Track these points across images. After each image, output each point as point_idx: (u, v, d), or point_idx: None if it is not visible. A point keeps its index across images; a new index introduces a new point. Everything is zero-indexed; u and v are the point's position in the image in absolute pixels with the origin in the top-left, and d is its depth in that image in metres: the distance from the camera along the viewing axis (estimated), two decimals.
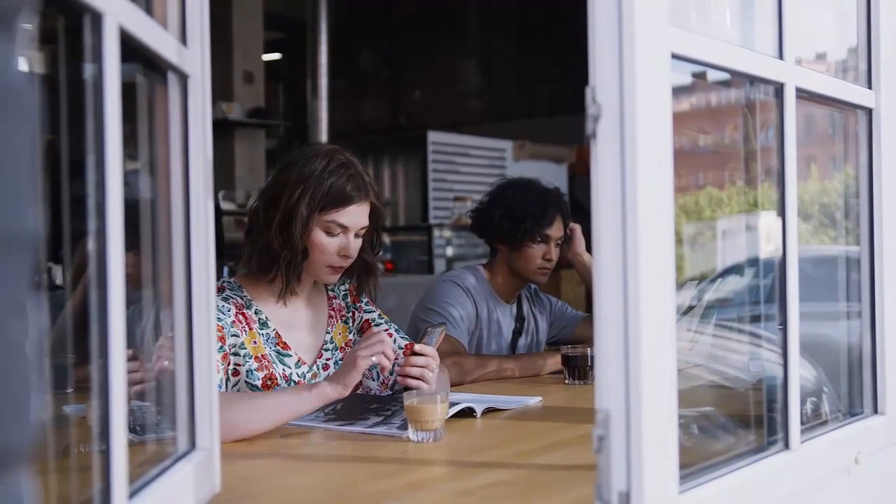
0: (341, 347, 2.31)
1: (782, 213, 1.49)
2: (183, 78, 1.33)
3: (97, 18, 0.98)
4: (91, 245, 0.99)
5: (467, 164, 8.19)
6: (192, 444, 1.34)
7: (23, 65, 0.54)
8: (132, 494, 1.06)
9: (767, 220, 1.87)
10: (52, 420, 1.12)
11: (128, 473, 1.01)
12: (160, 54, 1.21)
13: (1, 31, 0.51)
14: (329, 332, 2.30)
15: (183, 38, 1.33)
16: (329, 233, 2.15)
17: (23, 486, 0.55)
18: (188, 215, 1.34)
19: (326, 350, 2.29)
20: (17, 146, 0.52)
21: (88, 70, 1.00)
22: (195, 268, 1.35)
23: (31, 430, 0.56)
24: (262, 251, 2.17)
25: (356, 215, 2.17)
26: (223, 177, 7.40)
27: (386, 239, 7.68)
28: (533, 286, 3.14)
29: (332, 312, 2.34)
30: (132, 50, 1.09)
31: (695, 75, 1.43)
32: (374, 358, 1.93)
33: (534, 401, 2.31)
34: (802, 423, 1.52)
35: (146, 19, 1.14)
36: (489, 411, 2.13)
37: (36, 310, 0.55)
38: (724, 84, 1.70)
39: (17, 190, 0.52)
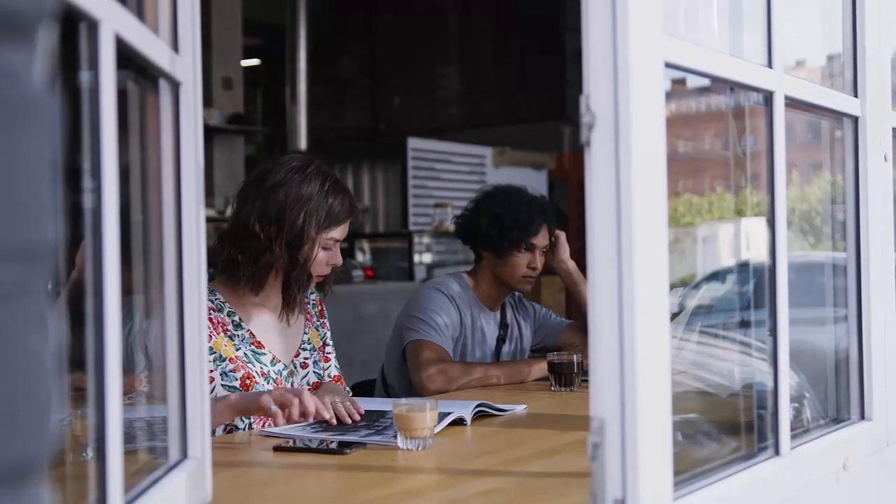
0: (319, 349, 2.41)
1: (772, 220, 1.50)
2: (175, 85, 1.32)
3: (93, 26, 0.97)
4: (87, 252, 0.98)
5: (448, 171, 8.18)
6: (184, 454, 1.33)
7: (42, 75, 0.53)
8: None
9: (748, 227, 1.88)
10: None
11: (123, 483, 1.00)
12: (153, 62, 1.20)
13: (21, 42, 0.51)
14: (307, 333, 2.39)
15: (175, 46, 1.32)
16: (326, 248, 2.26)
17: (43, 497, 0.55)
18: (180, 223, 1.33)
19: (305, 349, 2.37)
20: (38, 157, 0.52)
21: (84, 77, 0.99)
22: (187, 275, 1.34)
23: (51, 441, 0.55)
24: (263, 270, 2.21)
25: (347, 228, 2.30)
26: None
27: (366, 245, 7.67)
28: (517, 293, 3.15)
29: (308, 315, 2.42)
30: (124, 56, 1.09)
31: (674, 81, 1.43)
32: (273, 407, 1.90)
33: (519, 408, 2.31)
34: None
35: (140, 27, 1.13)
36: (479, 417, 2.13)
37: (54, 321, 0.55)
38: (704, 91, 1.71)
39: (39, 201, 0.52)
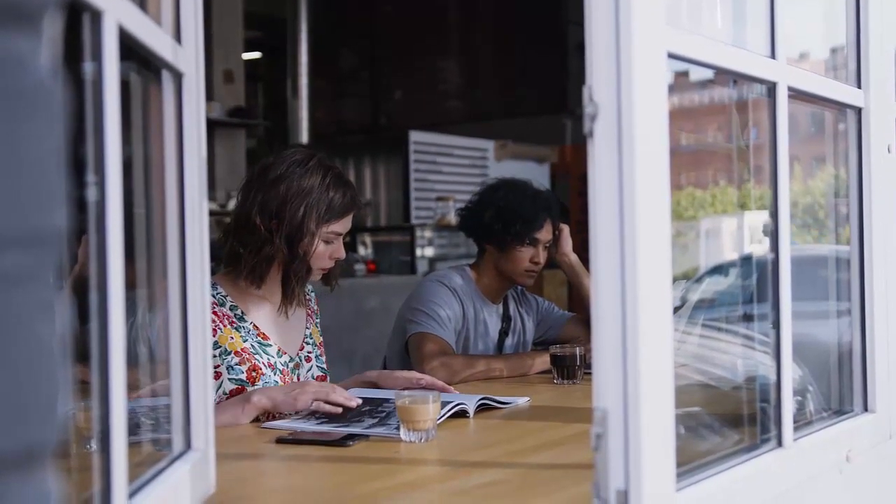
0: (319, 344, 2.43)
1: (775, 212, 1.50)
2: (178, 76, 1.32)
3: (97, 16, 0.97)
4: (90, 246, 0.98)
5: (449, 164, 8.17)
6: (188, 445, 1.33)
7: (49, 62, 0.53)
8: (131, 495, 1.05)
9: (752, 220, 1.87)
10: None
11: (127, 474, 1.01)
12: (156, 53, 1.20)
13: (28, 30, 0.51)
14: (308, 328, 2.41)
15: (177, 37, 1.32)
16: (327, 242, 2.26)
17: (50, 483, 0.55)
18: (183, 215, 1.33)
19: (307, 343, 2.39)
20: (46, 145, 0.51)
21: (87, 68, 0.99)
22: (190, 268, 1.34)
23: (58, 427, 0.56)
24: (263, 263, 2.23)
25: (349, 221, 2.29)
26: None
27: (367, 239, 7.66)
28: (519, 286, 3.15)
29: (309, 311, 2.44)
30: (126, 47, 1.08)
31: (676, 74, 1.43)
32: (314, 405, 2.04)
33: (522, 401, 2.31)
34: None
35: (144, 18, 1.13)
36: (482, 409, 2.13)
37: (62, 308, 0.55)
38: (707, 84, 1.71)
39: (46, 188, 0.52)
